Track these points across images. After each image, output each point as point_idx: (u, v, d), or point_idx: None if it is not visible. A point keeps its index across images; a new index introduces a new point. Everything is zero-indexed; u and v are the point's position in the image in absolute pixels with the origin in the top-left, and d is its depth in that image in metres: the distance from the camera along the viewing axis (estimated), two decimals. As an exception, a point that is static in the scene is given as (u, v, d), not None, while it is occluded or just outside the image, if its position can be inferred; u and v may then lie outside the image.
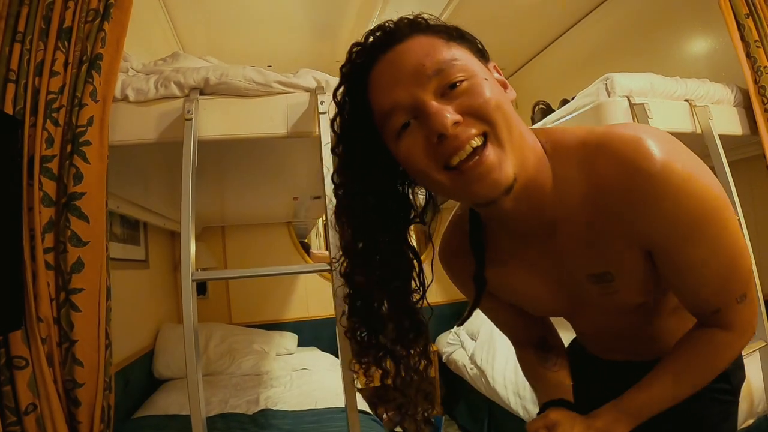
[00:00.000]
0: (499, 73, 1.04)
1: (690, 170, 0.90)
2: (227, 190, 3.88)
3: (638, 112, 2.47)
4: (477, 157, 0.90)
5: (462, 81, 0.92)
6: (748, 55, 2.91)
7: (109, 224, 2.00)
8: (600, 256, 1.05)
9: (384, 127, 0.98)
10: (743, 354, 1.39)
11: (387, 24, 1.02)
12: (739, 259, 1.00)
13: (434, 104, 0.90)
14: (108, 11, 2.05)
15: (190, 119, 2.05)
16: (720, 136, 2.73)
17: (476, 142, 0.90)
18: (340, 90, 1.07)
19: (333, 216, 1.16)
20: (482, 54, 1.03)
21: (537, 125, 3.46)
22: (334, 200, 1.15)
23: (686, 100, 2.79)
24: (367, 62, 1.00)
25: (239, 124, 2.17)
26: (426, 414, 1.23)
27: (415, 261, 1.16)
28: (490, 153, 0.90)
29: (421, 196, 1.18)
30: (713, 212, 0.93)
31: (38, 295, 1.89)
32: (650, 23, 4.00)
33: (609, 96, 2.56)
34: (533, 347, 1.43)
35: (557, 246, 1.09)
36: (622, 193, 0.94)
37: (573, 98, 3.00)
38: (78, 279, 1.89)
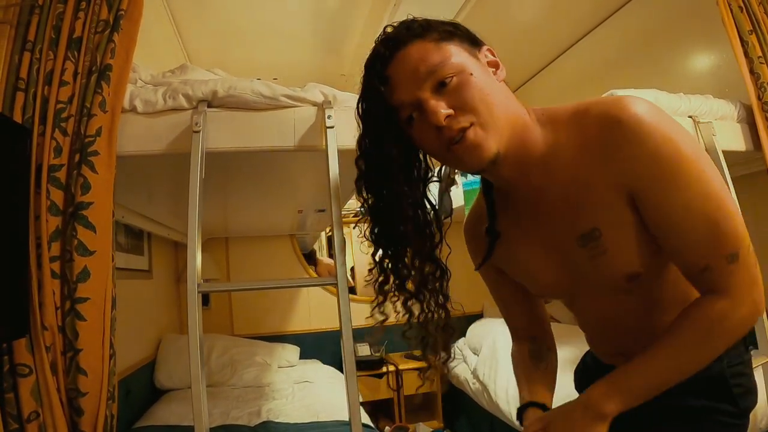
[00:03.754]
0: (493, 55, 1.23)
1: (663, 123, 1.03)
2: (232, 202, 3.88)
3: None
4: (462, 138, 1.10)
5: (451, 78, 1.10)
6: (751, 71, 2.91)
7: (114, 234, 2.01)
8: (586, 212, 1.14)
9: (397, 115, 1.18)
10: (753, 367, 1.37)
11: (389, 31, 1.21)
12: (724, 210, 1.04)
13: (431, 102, 1.11)
14: (118, 22, 2.06)
15: (198, 131, 2.05)
16: (723, 152, 2.73)
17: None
18: (363, 87, 1.24)
19: (356, 184, 1.34)
20: (474, 42, 1.22)
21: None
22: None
23: (690, 116, 2.80)
24: (379, 68, 1.18)
25: (247, 137, 2.17)
26: (444, 342, 1.40)
27: (433, 212, 1.34)
28: (471, 134, 1.09)
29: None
30: (688, 159, 1.02)
31: (43, 304, 1.89)
32: (654, 39, 4.03)
33: (613, 111, 2.57)
34: (529, 342, 1.53)
35: (546, 210, 1.22)
36: (603, 143, 1.07)
37: (577, 113, 3.00)
38: (84, 288, 1.89)
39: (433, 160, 1.33)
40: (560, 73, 5.21)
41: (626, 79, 3.98)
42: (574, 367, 1.71)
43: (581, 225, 1.15)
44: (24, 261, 1.89)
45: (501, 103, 1.13)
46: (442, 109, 1.09)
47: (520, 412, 1.42)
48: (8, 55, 2.04)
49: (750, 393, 1.29)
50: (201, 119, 2.09)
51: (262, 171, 2.76)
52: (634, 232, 1.11)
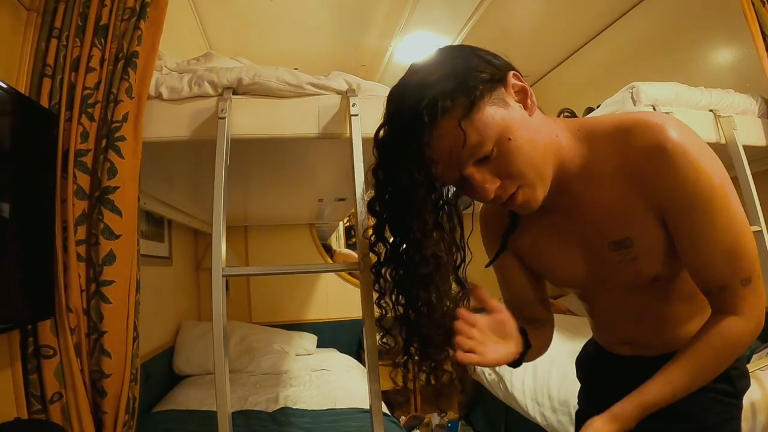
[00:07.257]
0: (519, 80, 1.16)
1: (701, 153, 1.09)
2: (252, 190, 3.90)
3: (663, 121, 2.47)
4: (512, 200, 1.15)
5: (493, 150, 1.09)
6: (773, 67, 2.89)
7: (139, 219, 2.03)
8: (621, 222, 1.22)
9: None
10: (761, 368, 1.42)
11: (405, 109, 1.10)
12: (743, 239, 1.13)
13: (477, 177, 1.12)
14: (144, 10, 2.08)
15: (224, 118, 2.08)
16: (744, 146, 2.73)
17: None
18: (383, 134, 1.19)
19: (367, 213, 1.32)
20: (499, 78, 1.12)
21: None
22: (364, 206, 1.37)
23: (711, 110, 2.80)
24: (409, 133, 1.09)
25: (271, 124, 2.19)
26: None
27: (459, 235, 1.28)
28: (520, 196, 1.15)
29: None
30: (717, 189, 1.10)
31: (69, 286, 1.92)
32: (675, 33, 4.00)
33: (634, 105, 2.57)
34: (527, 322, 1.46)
35: (582, 215, 1.27)
36: (645, 163, 1.12)
37: (598, 106, 3.01)
38: (109, 271, 1.92)
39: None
40: (581, 66, 5.19)
41: (647, 72, 3.95)
42: None
43: (615, 232, 1.23)
44: (50, 244, 1.93)
45: (542, 151, 1.15)
46: (488, 184, 1.12)
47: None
48: (35, 41, 2.08)
49: (744, 376, 1.41)
50: (226, 106, 2.11)
51: (284, 159, 2.77)
52: (662, 243, 1.20)
